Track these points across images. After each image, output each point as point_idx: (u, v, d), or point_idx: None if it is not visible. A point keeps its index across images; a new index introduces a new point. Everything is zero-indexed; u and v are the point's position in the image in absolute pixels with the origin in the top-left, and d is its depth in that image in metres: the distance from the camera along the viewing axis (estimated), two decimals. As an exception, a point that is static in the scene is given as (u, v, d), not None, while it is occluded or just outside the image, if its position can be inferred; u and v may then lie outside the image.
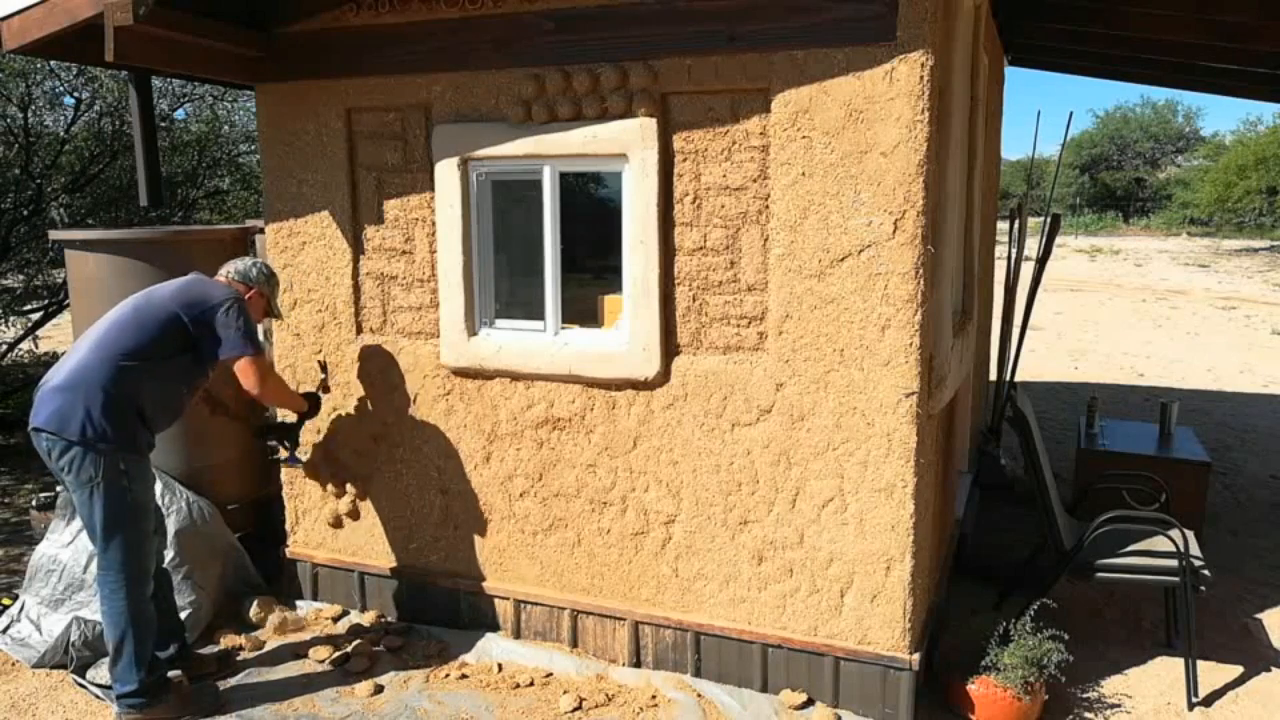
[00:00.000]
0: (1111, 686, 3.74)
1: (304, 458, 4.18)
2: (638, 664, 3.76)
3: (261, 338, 3.69)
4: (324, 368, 4.17)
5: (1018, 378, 5.62)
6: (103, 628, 3.71)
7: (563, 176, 3.69)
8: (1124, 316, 14.88)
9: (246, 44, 3.92)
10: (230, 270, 3.61)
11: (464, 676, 3.70)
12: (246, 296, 3.55)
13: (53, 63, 7.09)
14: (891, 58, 3.05)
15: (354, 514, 4.22)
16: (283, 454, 4.14)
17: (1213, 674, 3.82)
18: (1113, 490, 4.55)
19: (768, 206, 3.31)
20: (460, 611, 4.06)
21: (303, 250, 4.13)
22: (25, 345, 8.15)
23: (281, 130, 4.08)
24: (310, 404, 3.96)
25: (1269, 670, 3.88)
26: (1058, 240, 7.16)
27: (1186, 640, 3.67)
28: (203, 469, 4.32)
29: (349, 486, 4.20)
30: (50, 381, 3.30)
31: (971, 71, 4.05)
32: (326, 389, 4.15)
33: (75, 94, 7.87)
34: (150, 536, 3.41)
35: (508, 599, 3.96)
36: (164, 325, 3.35)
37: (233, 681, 3.68)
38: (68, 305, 6.01)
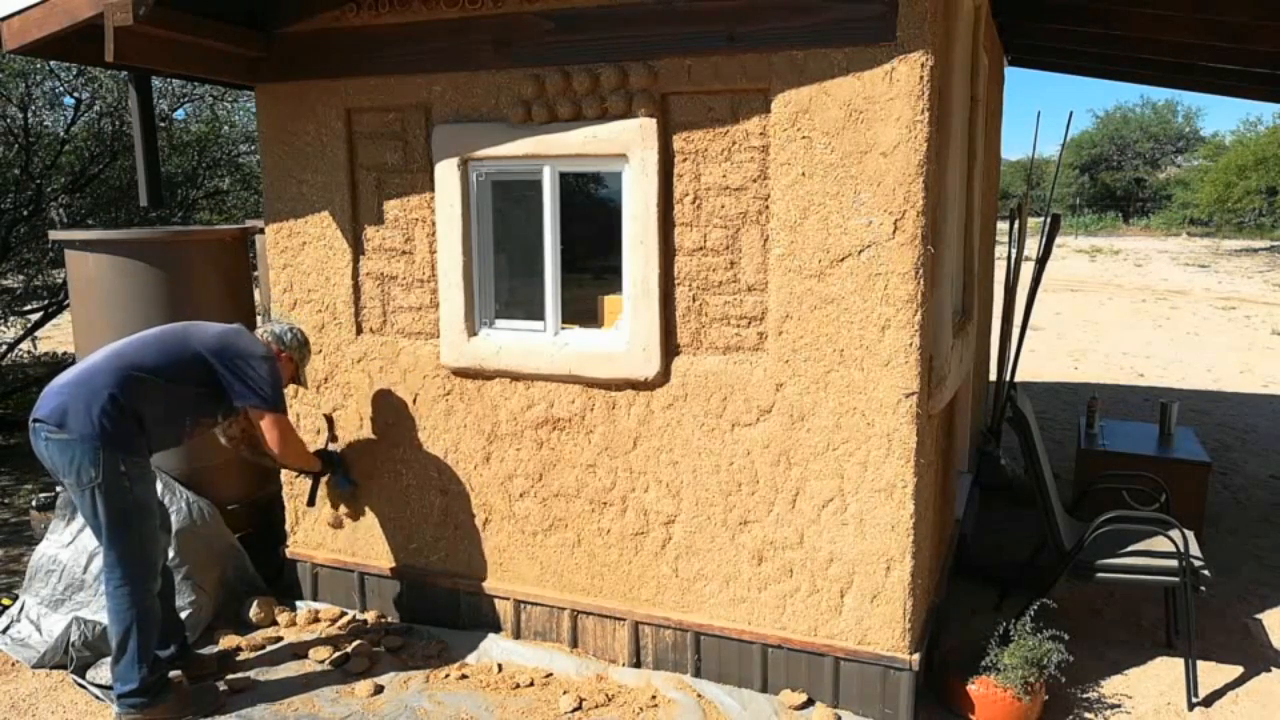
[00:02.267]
0: (1111, 686, 3.74)
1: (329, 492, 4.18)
2: (638, 664, 3.76)
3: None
4: (330, 422, 4.15)
5: (1018, 378, 5.63)
6: (104, 627, 3.72)
7: (563, 176, 3.69)
8: (1124, 316, 14.88)
9: (246, 44, 3.91)
10: (267, 331, 3.72)
11: (464, 677, 3.70)
12: (279, 358, 3.68)
13: (53, 63, 7.10)
14: (891, 58, 3.05)
15: (354, 514, 4.22)
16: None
17: (1213, 674, 3.82)
18: (1113, 490, 4.56)
19: (768, 206, 3.31)
20: (460, 611, 4.06)
21: (303, 250, 4.13)
22: (25, 345, 8.15)
23: (281, 130, 4.08)
24: (324, 461, 4.03)
25: (1269, 670, 3.88)
26: (1058, 240, 7.17)
27: (1186, 640, 3.67)
28: (203, 469, 4.31)
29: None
30: (59, 380, 3.34)
31: (971, 71, 4.05)
32: (334, 439, 4.15)
33: (75, 94, 7.87)
34: (156, 533, 3.43)
35: (508, 599, 3.96)
36: (188, 358, 3.41)
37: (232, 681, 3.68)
38: (67, 305, 6.02)
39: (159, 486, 4.07)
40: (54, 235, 4.51)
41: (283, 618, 4.19)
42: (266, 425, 3.55)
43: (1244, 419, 8.04)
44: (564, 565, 3.84)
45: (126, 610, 3.30)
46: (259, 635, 4.03)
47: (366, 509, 4.20)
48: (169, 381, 3.36)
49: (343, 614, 4.24)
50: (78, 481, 3.24)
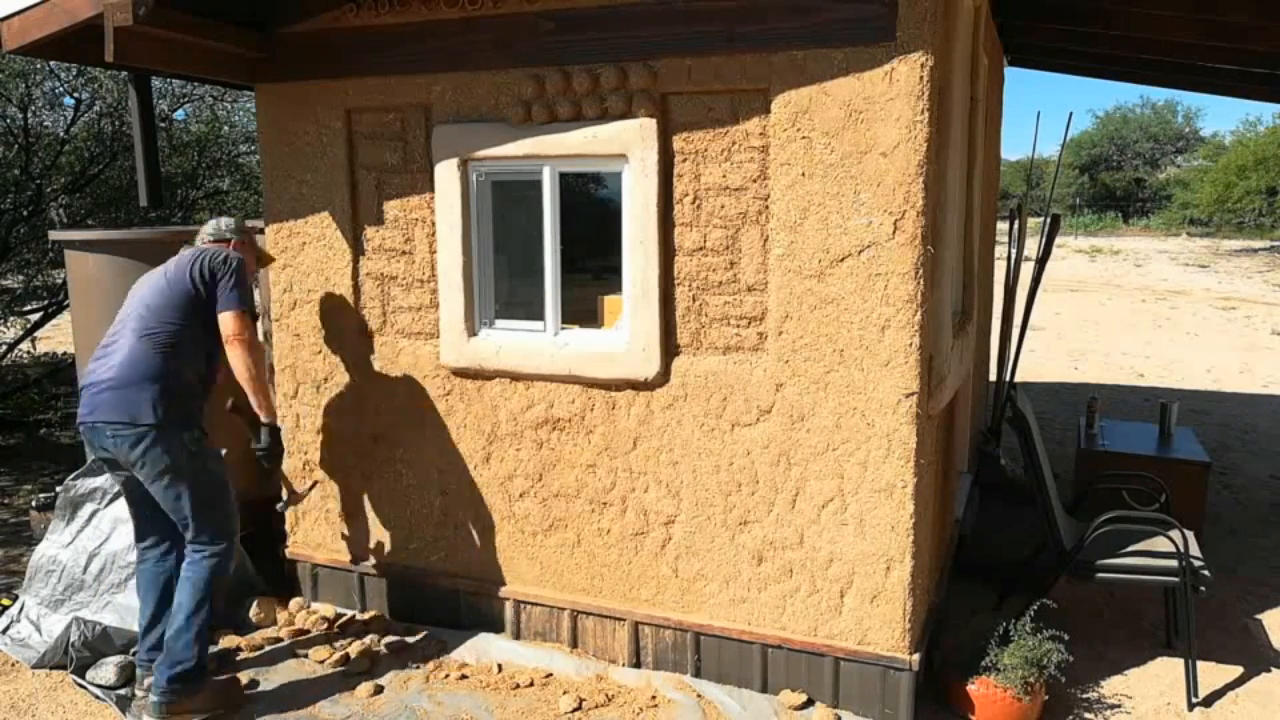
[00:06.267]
0: (1111, 686, 3.74)
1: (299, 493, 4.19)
2: (638, 664, 3.76)
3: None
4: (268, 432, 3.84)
5: (1018, 378, 5.62)
6: (104, 627, 3.73)
7: (563, 177, 3.69)
8: (1124, 317, 14.89)
9: (246, 44, 3.92)
10: (206, 236, 3.65)
11: (464, 677, 3.70)
12: (243, 243, 3.66)
13: (53, 63, 7.10)
14: (891, 58, 3.05)
15: (354, 514, 4.22)
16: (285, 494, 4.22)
17: (1213, 674, 3.82)
18: (1113, 490, 4.56)
19: (767, 207, 3.31)
20: (460, 611, 4.06)
21: (303, 250, 4.13)
22: (25, 345, 8.15)
23: (281, 131, 4.08)
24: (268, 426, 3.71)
25: (1269, 670, 3.88)
26: (1057, 241, 7.17)
27: (1186, 640, 3.67)
28: (203, 469, 4.31)
29: (350, 486, 4.20)
30: (103, 378, 3.33)
31: (971, 72, 4.05)
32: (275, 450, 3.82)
33: (75, 94, 7.88)
34: (234, 505, 3.48)
35: (508, 599, 3.96)
36: (186, 298, 3.42)
37: (233, 682, 3.68)
38: (67, 305, 6.02)
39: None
40: (54, 235, 4.51)
41: (282, 618, 4.19)
42: (228, 322, 3.39)
43: (1244, 419, 8.04)
44: (564, 565, 3.84)
45: (203, 583, 3.35)
46: (259, 635, 4.03)
47: (366, 509, 4.19)
48: (188, 331, 3.40)
49: (342, 614, 4.24)
50: (154, 471, 3.28)
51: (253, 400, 3.50)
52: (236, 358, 3.41)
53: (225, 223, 3.71)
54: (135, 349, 3.33)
